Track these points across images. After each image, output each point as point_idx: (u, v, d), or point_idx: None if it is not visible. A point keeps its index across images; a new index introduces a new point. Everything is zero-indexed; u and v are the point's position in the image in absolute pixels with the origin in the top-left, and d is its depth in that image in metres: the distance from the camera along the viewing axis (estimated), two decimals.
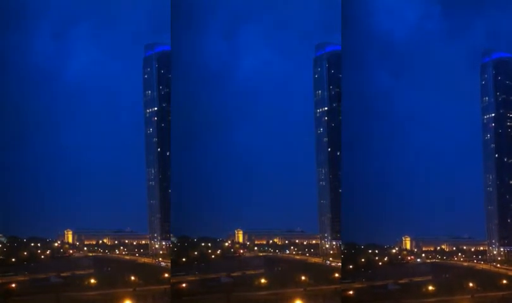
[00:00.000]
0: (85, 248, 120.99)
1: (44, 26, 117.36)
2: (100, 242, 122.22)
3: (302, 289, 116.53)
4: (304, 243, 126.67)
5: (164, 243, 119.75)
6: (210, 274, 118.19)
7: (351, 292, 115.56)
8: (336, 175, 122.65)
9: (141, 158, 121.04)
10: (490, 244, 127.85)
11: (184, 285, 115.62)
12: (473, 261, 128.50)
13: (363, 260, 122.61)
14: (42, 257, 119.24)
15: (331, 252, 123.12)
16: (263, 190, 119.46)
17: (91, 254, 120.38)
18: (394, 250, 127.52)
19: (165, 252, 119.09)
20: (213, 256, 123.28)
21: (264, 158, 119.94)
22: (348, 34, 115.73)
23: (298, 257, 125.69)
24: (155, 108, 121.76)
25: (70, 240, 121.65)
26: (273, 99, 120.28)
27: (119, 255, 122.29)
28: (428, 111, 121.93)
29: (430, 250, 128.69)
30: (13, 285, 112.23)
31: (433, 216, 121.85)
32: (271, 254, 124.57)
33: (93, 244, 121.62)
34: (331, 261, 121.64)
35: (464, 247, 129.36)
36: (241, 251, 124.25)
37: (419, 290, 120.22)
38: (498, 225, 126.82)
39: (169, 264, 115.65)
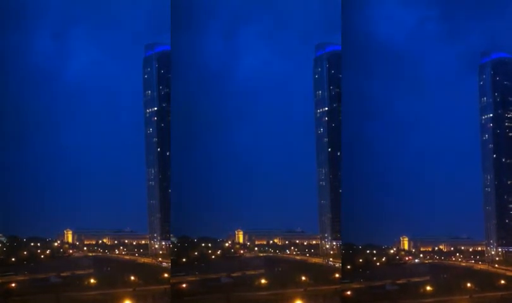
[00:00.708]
0: (85, 248, 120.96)
1: (44, 26, 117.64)
2: (100, 242, 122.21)
3: (302, 289, 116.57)
4: (305, 243, 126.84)
5: (163, 243, 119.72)
6: (210, 274, 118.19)
7: (349, 292, 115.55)
8: (336, 175, 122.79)
9: (141, 158, 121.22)
10: (488, 244, 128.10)
11: (184, 285, 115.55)
12: (471, 261, 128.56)
13: (361, 260, 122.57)
14: (42, 257, 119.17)
15: (331, 252, 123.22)
16: (263, 190, 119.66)
17: (91, 254, 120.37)
18: (392, 251, 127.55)
19: (165, 252, 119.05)
20: (213, 256, 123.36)
21: (264, 158, 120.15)
22: (348, 34, 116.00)
23: (298, 257, 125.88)
24: (155, 108, 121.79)
25: (70, 240, 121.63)
26: (273, 99, 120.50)
27: (119, 255, 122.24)
28: (427, 112, 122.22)
29: (428, 251, 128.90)
30: (13, 285, 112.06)
31: (432, 216, 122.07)
32: (271, 254, 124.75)
33: (93, 244, 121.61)
34: (333, 261, 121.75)
35: (462, 248, 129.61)
36: (241, 251, 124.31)
37: (417, 290, 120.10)
38: (496, 225, 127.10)
39: (169, 264, 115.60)
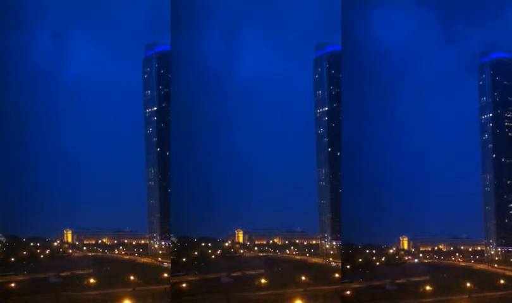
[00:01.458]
0: (85, 248, 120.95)
1: (44, 26, 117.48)
2: (100, 241, 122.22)
3: (302, 289, 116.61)
4: (305, 243, 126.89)
5: (163, 243, 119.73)
6: (210, 274, 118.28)
7: (348, 292, 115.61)
8: (336, 175, 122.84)
9: (141, 157, 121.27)
10: (487, 244, 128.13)
11: (184, 284, 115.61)
12: (471, 261, 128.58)
13: (360, 260, 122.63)
14: (42, 256, 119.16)
15: (331, 252, 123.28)
16: (263, 190, 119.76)
17: (90, 254, 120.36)
18: (391, 251, 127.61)
19: (164, 252, 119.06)
20: (213, 256, 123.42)
21: (264, 158, 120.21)
22: (348, 35, 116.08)
23: (298, 257, 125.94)
24: (155, 108, 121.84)
25: (70, 240, 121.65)
26: (273, 99, 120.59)
27: (119, 255, 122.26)
28: (426, 112, 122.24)
29: (428, 250, 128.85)
30: (13, 285, 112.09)
31: (431, 216, 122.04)
32: (271, 254, 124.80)
33: (92, 244, 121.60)
34: (333, 261, 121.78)
35: (462, 247, 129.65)
36: (241, 251, 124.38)
37: (416, 290, 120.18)
38: (496, 225, 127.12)
39: (169, 264, 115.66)
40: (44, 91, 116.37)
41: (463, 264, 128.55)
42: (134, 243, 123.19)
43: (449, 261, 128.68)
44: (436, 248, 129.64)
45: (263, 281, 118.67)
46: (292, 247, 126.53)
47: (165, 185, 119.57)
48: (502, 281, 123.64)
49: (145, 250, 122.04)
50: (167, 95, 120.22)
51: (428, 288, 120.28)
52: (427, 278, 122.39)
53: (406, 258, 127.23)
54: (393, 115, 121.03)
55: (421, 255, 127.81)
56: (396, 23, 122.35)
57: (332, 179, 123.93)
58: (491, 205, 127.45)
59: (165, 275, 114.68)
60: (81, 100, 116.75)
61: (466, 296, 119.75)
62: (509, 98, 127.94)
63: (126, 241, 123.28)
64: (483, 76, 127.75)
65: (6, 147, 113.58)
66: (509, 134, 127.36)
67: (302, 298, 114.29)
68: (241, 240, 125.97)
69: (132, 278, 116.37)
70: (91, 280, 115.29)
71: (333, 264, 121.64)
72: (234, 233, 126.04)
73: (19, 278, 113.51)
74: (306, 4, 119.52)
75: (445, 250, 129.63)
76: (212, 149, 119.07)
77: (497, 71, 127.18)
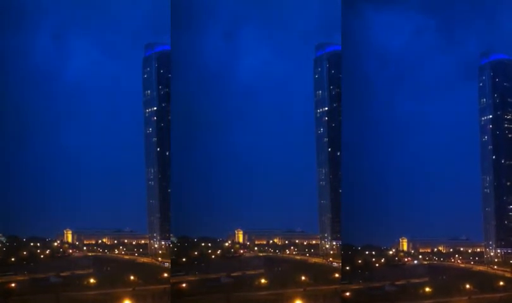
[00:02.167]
0: (85, 248, 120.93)
1: (44, 26, 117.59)
2: (100, 241, 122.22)
3: (302, 289, 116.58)
4: (305, 243, 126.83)
5: (163, 243, 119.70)
6: (210, 274, 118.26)
7: (348, 293, 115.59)
8: (336, 175, 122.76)
9: (141, 157, 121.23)
10: (487, 246, 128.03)
11: (184, 284, 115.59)
12: (470, 262, 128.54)
13: (360, 261, 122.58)
14: (42, 256, 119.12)
15: (331, 252, 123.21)
16: (263, 190, 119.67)
17: (90, 254, 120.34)
18: (391, 252, 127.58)
19: (164, 252, 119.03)
20: (213, 256, 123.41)
21: (264, 158, 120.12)
22: (348, 35, 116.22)
23: (298, 257, 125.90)
24: (155, 108, 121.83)
25: (70, 240, 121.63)
26: (273, 99, 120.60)
27: (119, 255, 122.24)
28: (426, 112, 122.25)
29: (427, 252, 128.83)
30: (13, 285, 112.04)
31: (431, 217, 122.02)
32: (271, 254, 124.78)
33: (92, 244, 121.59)
34: (332, 261, 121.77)
35: (462, 249, 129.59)
36: (241, 251, 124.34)
37: (416, 291, 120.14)
38: (495, 227, 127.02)
39: (169, 264, 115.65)
40: (44, 91, 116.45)
41: (463, 265, 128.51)
42: (134, 243, 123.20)
43: (448, 263, 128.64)
44: (436, 249, 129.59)
45: (263, 281, 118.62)
46: (292, 247, 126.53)
47: (165, 185, 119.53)
48: (501, 283, 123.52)
49: (145, 250, 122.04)
50: (167, 94, 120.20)
51: (427, 289, 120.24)
52: (427, 279, 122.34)
53: (406, 259, 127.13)
54: (393, 116, 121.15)
55: (420, 256, 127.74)
56: (396, 23, 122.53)
57: (332, 179, 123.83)
58: (491, 206, 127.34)
59: (165, 275, 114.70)
60: (81, 100, 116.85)
61: (466, 298, 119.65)
62: (509, 100, 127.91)
63: (126, 241, 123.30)
64: (483, 77, 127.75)
65: (6, 147, 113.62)
66: (509, 135, 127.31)
67: (302, 298, 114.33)
68: (241, 240, 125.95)
69: (132, 277, 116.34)
70: (91, 280, 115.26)
71: (334, 264, 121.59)
72: (234, 233, 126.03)
73: (19, 278, 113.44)
74: (306, 4, 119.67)
75: (444, 251, 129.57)
76: (212, 149, 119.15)
77: (497, 72, 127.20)
